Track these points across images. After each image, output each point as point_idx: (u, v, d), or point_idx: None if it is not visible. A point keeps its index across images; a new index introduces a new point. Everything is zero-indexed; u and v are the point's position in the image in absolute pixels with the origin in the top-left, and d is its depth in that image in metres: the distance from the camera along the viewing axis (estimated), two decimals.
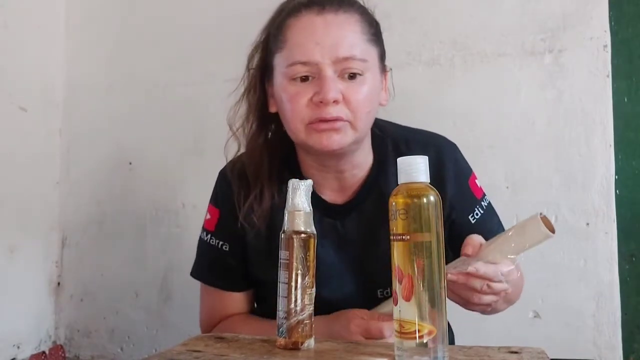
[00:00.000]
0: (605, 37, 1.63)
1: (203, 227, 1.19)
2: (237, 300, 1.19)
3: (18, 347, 1.90)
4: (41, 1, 2.04)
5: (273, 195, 1.11)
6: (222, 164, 1.20)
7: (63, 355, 1.98)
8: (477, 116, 1.70)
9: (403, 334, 0.73)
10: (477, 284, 0.90)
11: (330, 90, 0.99)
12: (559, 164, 1.64)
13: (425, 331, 0.72)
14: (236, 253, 1.16)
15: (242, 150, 1.16)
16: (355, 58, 1.01)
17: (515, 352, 0.84)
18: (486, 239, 0.97)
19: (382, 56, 1.10)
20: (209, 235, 1.17)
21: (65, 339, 2.05)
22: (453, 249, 1.04)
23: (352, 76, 1.02)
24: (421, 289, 0.73)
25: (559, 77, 1.66)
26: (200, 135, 1.96)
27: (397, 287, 0.74)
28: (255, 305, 1.24)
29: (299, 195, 0.87)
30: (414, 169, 0.77)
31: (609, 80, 1.62)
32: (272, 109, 1.11)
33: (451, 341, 1.24)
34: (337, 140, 1.02)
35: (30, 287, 1.98)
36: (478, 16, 1.73)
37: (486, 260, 0.91)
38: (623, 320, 1.58)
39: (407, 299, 0.73)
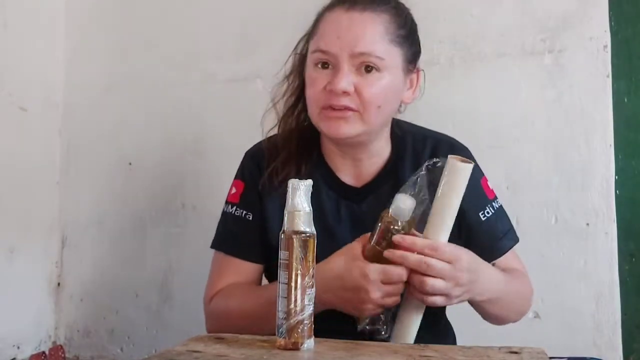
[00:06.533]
0: (605, 37, 1.63)
1: (227, 202, 1.23)
2: (246, 270, 1.20)
3: (18, 347, 1.90)
4: (41, 1, 2.03)
5: (300, 169, 1.17)
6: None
7: (63, 355, 1.98)
8: (476, 116, 1.70)
9: None
10: (412, 259, 0.96)
11: (340, 81, 1.07)
12: (559, 164, 1.64)
13: None
14: (258, 223, 1.19)
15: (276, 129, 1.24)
16: (371, 54, 1.08)
17: (515, 352, 0.84)
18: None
19: (410, 57, 1.15)
20: (233, 207, 1.21)
21: (65, 339, 2.05)
22: (466, 245, 1.07)
23: (369, 70, 1.08)
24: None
25: (559, 77, 1.66)
26: (200, 135, 1.95)
27: None
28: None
29: (299, 195, 0.87)
30: None
31: (609, 80, 1.62)
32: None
33: (452, 341, 1.25)
34: (344, 129, 1.09)
35: (30, 287, 1.98)
36: (478, 16, 1.73)
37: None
38: (623, 320, 1.57)
39: None
